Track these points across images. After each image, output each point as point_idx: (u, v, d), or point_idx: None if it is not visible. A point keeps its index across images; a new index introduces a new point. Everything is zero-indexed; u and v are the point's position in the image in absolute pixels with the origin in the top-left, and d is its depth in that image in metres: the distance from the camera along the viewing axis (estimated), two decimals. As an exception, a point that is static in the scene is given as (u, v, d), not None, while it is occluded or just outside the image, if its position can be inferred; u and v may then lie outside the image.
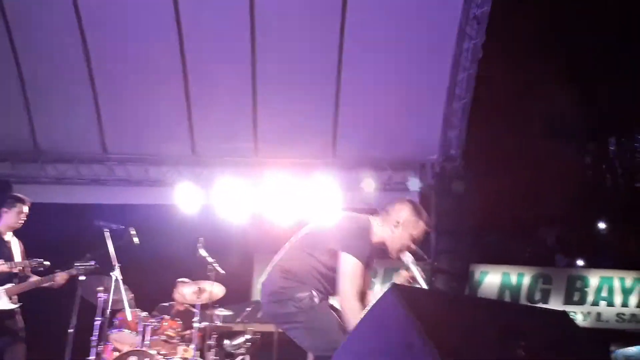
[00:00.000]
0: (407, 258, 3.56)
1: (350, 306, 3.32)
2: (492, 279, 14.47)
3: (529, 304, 12.56)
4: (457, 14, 7.46)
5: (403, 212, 3.62)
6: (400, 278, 3.58)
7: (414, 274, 3.53)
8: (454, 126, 8.30)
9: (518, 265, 14.74)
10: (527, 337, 2.11)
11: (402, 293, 2.04)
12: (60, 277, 5.66)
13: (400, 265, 3.59)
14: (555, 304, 14.19)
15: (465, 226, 8.42)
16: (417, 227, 3.60)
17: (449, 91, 8.01)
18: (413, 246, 3.60)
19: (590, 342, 2.41)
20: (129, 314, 5.90)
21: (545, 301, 14.33)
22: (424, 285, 3.51)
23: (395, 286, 2.11)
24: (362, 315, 3.08)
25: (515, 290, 14.47)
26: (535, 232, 16.11)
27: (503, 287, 14.44)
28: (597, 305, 14.15)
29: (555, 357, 2.16)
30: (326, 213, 3.84)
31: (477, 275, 14.25)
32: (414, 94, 8.03)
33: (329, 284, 3.50)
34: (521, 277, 14.54)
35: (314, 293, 3.39)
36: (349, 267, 3.38)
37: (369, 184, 8.32)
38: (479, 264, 14.09)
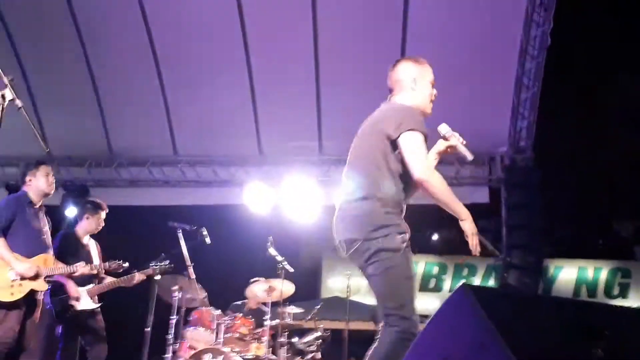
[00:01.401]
0: (444, 128, 3.50)
1: (433, 179, 3.15)
2: (567, 274, 14.08)
3: (608, 303, 12.12)
4: (524, 1, 7.26)
5: (407, 71, 3.56)
6: (439, 148, 3.51)
7: (454, 143, 3.48)
8: (523, 117, 8.09)
9: (594, 259, 14.27)
10: (606, 337, 2.03)
11: (473, 292, 1.99)
12: (138, 277, 5.83)
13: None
14: (635, 298, 13.68)
15: (537, 220, 8.19)
16: (427, 71, 3.56)
17: (517, 81, 7.82)
18: (435, 92, 3.52)
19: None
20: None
21: (625, 296, 13.85)
22: (467, 153, 3.47)
23: (465, 286, 2.06)
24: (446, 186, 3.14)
25: (592, 285, 14.03)
26: (611, 224, 15.52)
27: (579, 282, 14.03)
28: (682, 299, 13.56)
29: (636, 358, 2.07)
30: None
31: (551, 270, 13.91)
32: (481, 84, 7.87)
33: (410, 188, 3.32)
34: (598, 272, 14.09)
35: (406, 235, 3.16)
36: (414, 142, 3.19)
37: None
38: (553, 259, 13.73)
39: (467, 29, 7.53)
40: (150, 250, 6.23)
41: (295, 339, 6.93)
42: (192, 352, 5.91)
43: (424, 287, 13.60)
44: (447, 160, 8.35)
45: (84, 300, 5.60)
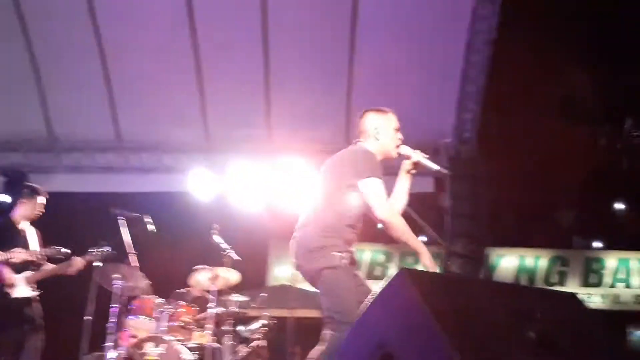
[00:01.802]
0: (405, 149, 3.85)
1: (394, 220, 3.56)
2: (508, 262, 14.43)
3: (538, 287, 12.51)
4: (470, -6, 7.38)
5: (371, 121, 3.88)
6: (405, 168, 3.88)
7: (417, 158, 3.83)
8: (468, 109, 8.23)
9: (534, 248, 14.67)
10: (537, 319, 2.10)
11: (411, 277, 2.03)
12: (77, 263, 5.68)
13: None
14: (572, 286, 14.14)
15: (480, 209, 8.38)
16: (390, 120, 3.88)
17: (463, 73, 7.94)
18: (399, 136, 3.86)
19: (601, 324, 2.40)
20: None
21: (562, 284, 14.29)
22: (431, 164, 3.80)
23: (404, 270, 2.11)
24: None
25: (532, 273, 14.42)
26: (551, 214, 16.00)
27: (519, 270, 14.40)
28: (615, 287, 14.09)
29: (567, 339, 2.15)
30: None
31: (493, 258, 14.22)
32: (427, 77, 7.98)
33: (357, 223, 3.68)
34: (537, 260, 14.48)
35: (344, 255, 3.51)
36: (374, 188, 3.54)
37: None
38: (495, 247, 14.04)
39: (414, 21, 7.61)
40: (92, 239, 6.10)
41: (240, 327, 6.92)
42: (134, 340, 5.84)
43: (370, 275, 13.74)
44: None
45: (20, 287, 5.44)
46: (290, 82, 8.07)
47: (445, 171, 3.83)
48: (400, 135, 3.86)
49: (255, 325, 6.93)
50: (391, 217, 3.56)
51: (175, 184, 8.55)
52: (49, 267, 5.67)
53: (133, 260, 5.97)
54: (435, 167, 3.80)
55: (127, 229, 5.98)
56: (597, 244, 15.91)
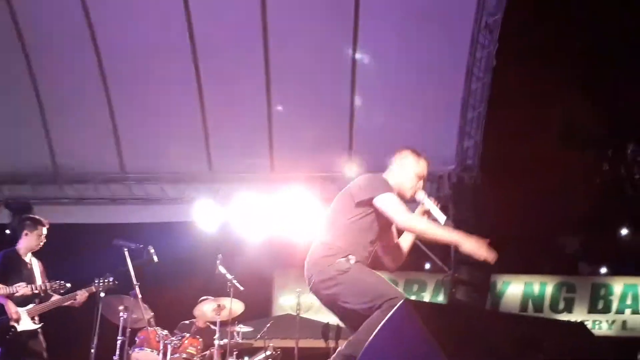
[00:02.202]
0: (420, 195, 3.89)
1: (416, 223, 3.61)
2: (514, 289, 14.34)
3: (543, 317, 12.40)
4: (470, 22, 7.45)
5: (403, 158, 3.93)
6: (418, 213, 3.87)
7: (429, 207, 3.83)
8: (470, 136, 8.26)
9: (540, 274, 14.59)
10: (544, 349, 2.08)
11: (415, 307, 2.02)
12: (81, 295, 5.68)
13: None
14: (579, 312, 14.02)
15: (484, 236, 8.33)
16: (419, 165, 3.92)
17: (464, 101, 7.99)
18: (421, 184, 3.91)
19: (608, 351, 2.38)
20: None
21: (570, 310, 14.17)
22: (440, 215, 3.77)
23: (407, 301, 2.10)
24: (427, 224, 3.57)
25: (539, 299, 14.32)
26: (556, 240, 15.94)
27: (526, 297, 14.30)
28: (622, 313, 13.97)
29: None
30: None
31: (499, 285, 14.15)
32: (428, 105, 8.03)
33: (367, 243, 3.69)
34: (544, 287, 14.39)
35: (350, 256, 3.53)
36: (388, 201, 3.59)
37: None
38: (501, 274, 13.97)
39: (415, 50, 7.69)
40: (96, 270, 6.11)
41: (245, 359, 6.88)
42: (139, 373, 5.81)
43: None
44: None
45: (24, 321, 5.43)
46: (292, 112, 8.13)
47: (451, 224, 3.81)
48: (421, 184, 3.92)
49: (260, 356, 6.89)
50: (411, 221, 3.59)
51: (179, 215, 8.56)
52: (53, 299, 5.67)
53: (137, 291, 5.95)
54: (443, 218, 3.78)
55: (131, 260, 5.97)
56: (603, 270, 15.81)
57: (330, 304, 3.60)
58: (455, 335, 2.02)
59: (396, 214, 3.55)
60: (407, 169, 3.88)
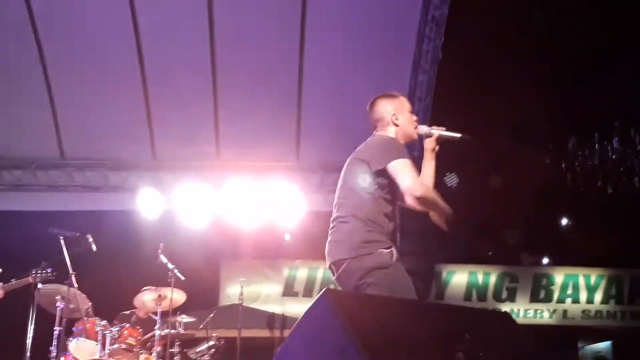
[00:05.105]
0: (423, 128, 3.76)
1: (429, 194, 3.50)
2: (459, 278, 14.56)
3: (466, 306, 12.63)
4: (416, 15, 7.50)
5: (385, 106, 3.78)
6: (429, 146, 3.77)
7: (438, 134, 3.72)
8: (416, 127, 8.34)
9: (485, 264, 14.86)
10: (467, 339, 2.09)
11: (336, 298, 2.00)
12: (18, 284, 5.55)
13: None
14: (522, 302, 14.35)
15: (430, 227, 8.44)
16: (403, 102, 3.80)
17: (410, 93, 8.05)
18: (415, 117, 3.78)
19: (531, 340, 2.42)
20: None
21: (512, 299, 14.48)
22: (453, 135, 3.70)
23: (328, 291, 2.08)
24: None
25: (482, 289, 14.57)
26: (500, 232, 16.27)
27: (470, 287, 14.54)
28: (563, 303, 14.34)
29: (496, 358, 2.15)
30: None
31: (444, 275, 14.33)
32: (375, 95, 8.05)
33: (391, 213, 3.59)
34: (488, 276, 14.65)
35: (393, 250, 3.40)
36: (400, 167, 3.42)
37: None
38: (446, 264, 14.17)
39: (361, 42, 7.70)
40: (33, 258, 5.97)
41: (187, 349, 6.79)
42: (75, 364, 5.69)
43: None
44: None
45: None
46: (238, 99, 8.05)
47: (468, 137, 3.70)
48: (415, 117, 3.79)
49: (202, 346, 6.83)
50: (426, 193, 3.47)
51: (121, 202, 8.39)
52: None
53: (73, 281, 5.81)
54: (457, 135, 3.70)
55: (68, 248, 5.83)
56: (545, 261, 16.23)
57: (354, 291, 3.37)
58: (375, 326, 2.01)
59: (411, 183, 3.41)
60: (399, 114, 3.73)
